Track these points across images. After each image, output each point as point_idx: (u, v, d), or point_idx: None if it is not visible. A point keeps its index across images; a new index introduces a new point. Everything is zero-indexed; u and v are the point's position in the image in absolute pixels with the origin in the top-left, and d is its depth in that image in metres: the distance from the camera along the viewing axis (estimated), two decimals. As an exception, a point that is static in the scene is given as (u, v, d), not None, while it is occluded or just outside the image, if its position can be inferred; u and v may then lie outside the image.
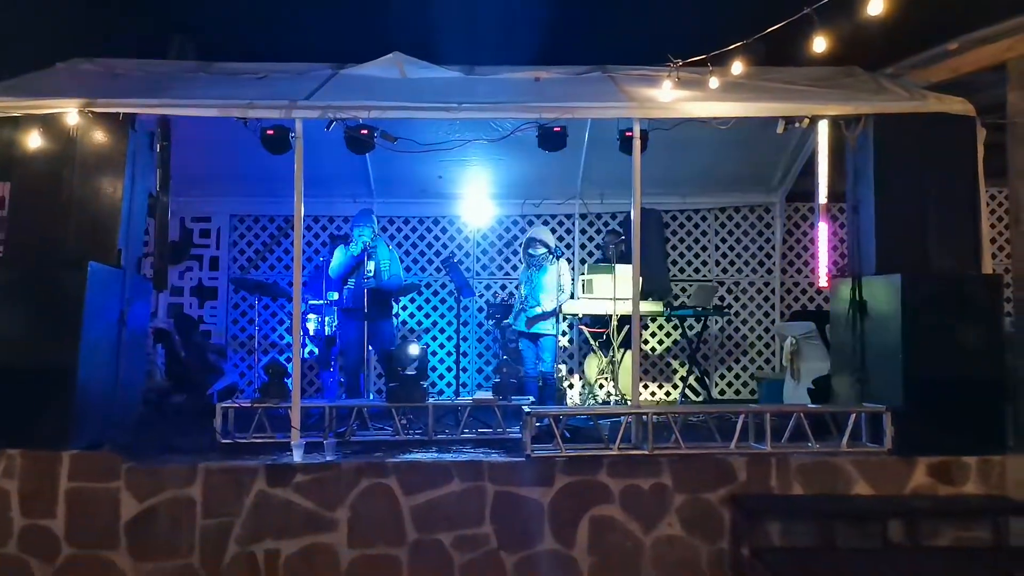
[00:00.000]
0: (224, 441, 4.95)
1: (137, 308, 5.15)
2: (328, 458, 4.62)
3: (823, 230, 6.64)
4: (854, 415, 4.88)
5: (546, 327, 6.33)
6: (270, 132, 5.03)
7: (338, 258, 6.29)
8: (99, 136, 4.94)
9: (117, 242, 4.97)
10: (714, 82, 5.12)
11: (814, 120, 5.37)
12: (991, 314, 4.86)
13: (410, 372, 5.27)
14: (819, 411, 5.09)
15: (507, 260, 7.98)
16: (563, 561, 4.51)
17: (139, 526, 4.39)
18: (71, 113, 4.82)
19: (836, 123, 5.47)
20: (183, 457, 4.60)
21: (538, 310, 6.25)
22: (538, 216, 7.90)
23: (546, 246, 6.41)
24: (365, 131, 5.15)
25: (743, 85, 5.31)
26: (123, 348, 4.98)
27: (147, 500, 4.41)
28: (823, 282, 6.45)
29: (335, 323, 6.64)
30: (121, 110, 4.93)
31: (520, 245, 7.60)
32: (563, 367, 6.95)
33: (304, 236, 7.78)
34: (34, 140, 4.80)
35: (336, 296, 6.55)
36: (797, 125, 5.33)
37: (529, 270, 6.40)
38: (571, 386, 7.57)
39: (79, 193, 4.87)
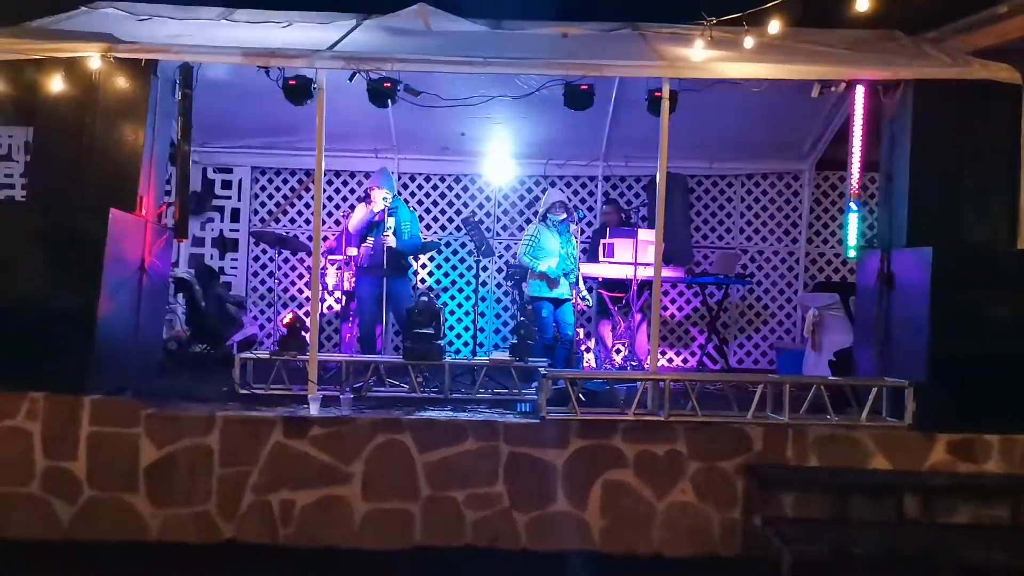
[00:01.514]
0: (242, 392, 4.99)
1: (158, 256, 5.15)
2: (344, 412, 4.64)
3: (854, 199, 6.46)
4: (875, 389, 4.80)
5: (568, 291, 6.27)
6: (292, 82, 4.95)
7: (358, 214, 6.25)
8: (121, 82, 4.89)
9: (138, 190, 4.95)
10: (749, 42, 4.94)
11: (851, 84, 5.19)
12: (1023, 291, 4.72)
13: (427, 331, 5.25)
14: (839, 383, 5.03)
15: (528, 221, 7.88)
16: (575, 522, 4.52)
17: (158, 472, 4.46)
18: (93, 58, 4.76)
19: (874, 88, 5.27)
20: (202, 406, 4.64)
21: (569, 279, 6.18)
22: (560, 177, 7.78)
23: (567, 209, 6.31)
24: (388, 84, 5.05)
25: (778, 47, 5.12)
26: (144, 296, 5.00)
27: (166, 447, 4.47)
28: (851, 253, 6.30)
29: (352, 279, 6.63)
30: (143, 55, 4.86)
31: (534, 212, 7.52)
32: (580, 331, 6.90)
33: (325, 191, 7.75)
34: (56, 84, 4.76)
35: (355, 252, 6.53)
36: (833, 89, 5.16)
37: (561, 236, 6.25)
38: (588, 350, 7.53)
39: (100, 139, 4.84)
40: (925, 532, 4.42)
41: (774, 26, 4.80)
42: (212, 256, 7.80)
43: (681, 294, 7.90)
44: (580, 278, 6.44)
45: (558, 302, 6.26)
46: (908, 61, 5.14)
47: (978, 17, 5.39)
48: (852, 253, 5.84)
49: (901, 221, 5.01)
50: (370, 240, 6.19)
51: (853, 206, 5.78)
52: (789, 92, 5.33)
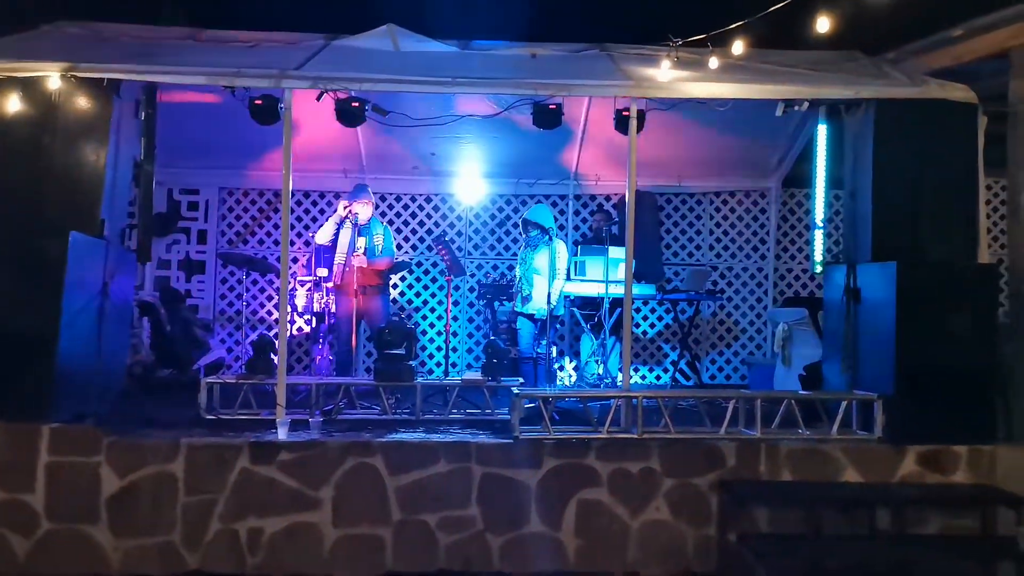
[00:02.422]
0: (208, 417, 4.88)
1: (120, 280, 5.03)
2: (313, 436, 4.55)
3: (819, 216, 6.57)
4: (845, 402, 4.84)
5: (542, 308, 6.25)
6: (258, 102, 4.91)
7: (327, 229, 6.18)
8: (82, 102, 4.79)
9: (100, 212, 4.84)
10: (714, 62, 5.01)
11: (814, 104, 5.29)
12: (986, 304, 4.82)
13: (399, 352, 5.19)
14: (810, 398, 5.06)
15: (499, 240, 7.88)
16: (549, 543, 4.47)
17: (120, 502, 4.31)
18: (53, 77, 4.67)
19: (836, 108, 5.39)
20: (166, 432, 4.52)
21: (534, 295, 6.15)
22: (532, 196, 7.80)
23: (539, 227, 6.31)
24: (356, 103, 5.03)
25: (743, 67, 5.21)
26: (106, 320, 4.86)
27: (128, 475, 4.33)
28: (817, 269, 6.39)
29: (323, 299, 6.54)
30: (105, 75, 4.77)
31: (514, 225, 7.53)
32: (554, 349, 6.88)
33: (294, 211, 7.67)
34: (14, 104, 4.64)
35: (325, 272, 6.45)
36: (796, 108, 5.25)
37: (524, 251, 6.31)
38: (561, 368, 7.51)
39: (61, 160, 4.73)
40: (897, 544, 4.44)
41: (738, 47, 4.88)
42: (178, 279, 7.65)
43: (653, 311, 7.93)
44: (550, 294, 6.37)
45: (535, 318, 6.25)
46: (869, 81, 5.26)
47: (934, 39, 5.56)
48: (819, 268, 5.92)
49: (865, 237, 5.09)
50: (341, 257, 6.12)
51: (819, 222, 5.88)
52: (754, 111, 5.42)
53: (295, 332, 7.32)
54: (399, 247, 7.73)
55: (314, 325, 6.78)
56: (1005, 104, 5.12)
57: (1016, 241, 5.11)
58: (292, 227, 7.52)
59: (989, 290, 4.88)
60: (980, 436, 4.71)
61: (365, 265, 6.05)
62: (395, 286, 7.71)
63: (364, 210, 6.17)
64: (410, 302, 7.80)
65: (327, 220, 6.32)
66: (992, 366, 4.80)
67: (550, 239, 6.34)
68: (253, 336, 7.20)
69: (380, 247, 6.20)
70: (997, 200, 7.41)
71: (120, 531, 4.29)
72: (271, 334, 7.13)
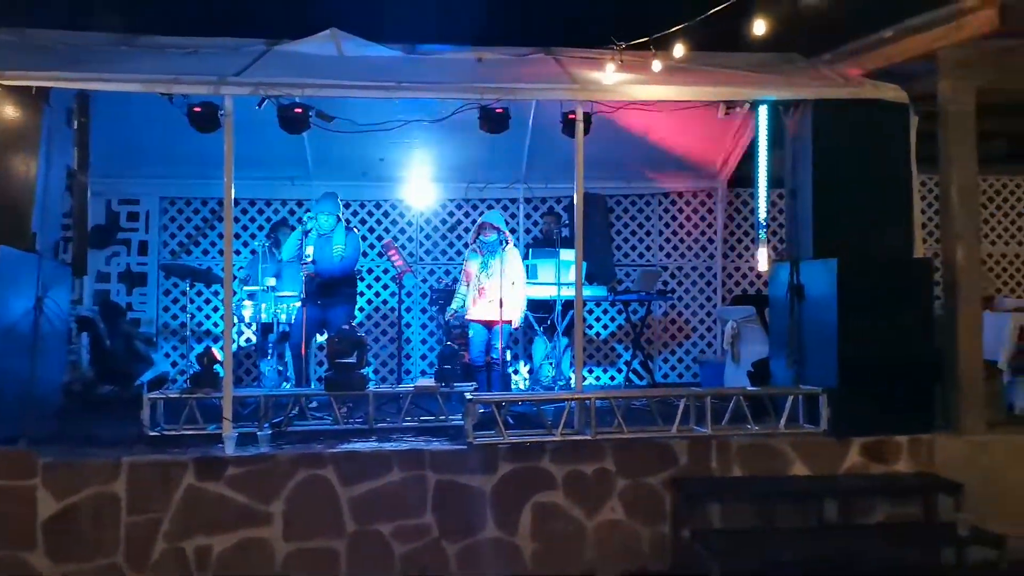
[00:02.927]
0: (152, 433, 4.72)
1: (54, 295, 4.84)
2: (262, 450, 4.45)
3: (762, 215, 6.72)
4: (791, 397, 4.95)
5: (500, 314, 6.19)
6: (197, 109, 4.78)
7: (290, 242, 6.02)
8: (10, 111, 4.61)
9: (31, 225, 4.67)
10: (657, 65, 5.09)
11: (754, 105, 5.41)
12: (922, 297, 5.00)
13: (349, 360, 5.11)
14: (758, 393, 5.16)
15: (451, 245, 7.85)
16: (506, 548, 4.46)
17: (58, 525, 4.15)
18: (-22, 86, 4.48)
19: (776, 108, 5.52)
20: (107, 451, 4.36)
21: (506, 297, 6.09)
22: (482, 200, 7.79)
23: (497, 231, 6.28)
24: (300, 110, 4.95)
25: (685, 70, 5.30)
26: (40, 337, 4.67)
27: (67, 498, 4.17)
28: (763, 267, 6.52)
29: (272, 310, 6.39)
30: (33, 83, 4.61)
31: (465, 229, 7.49)
32: (508, 353, 6.87)
33: (240, 220, 7.51)
34: (-64, 114, 4.44)
35: (273, 282, 6.31)
36: (738, 110, 5.37)
37: (484, 256, 6.20)
38: (516, 372, 7.51)
39: (-12, 172, 4.53)
40: (845, 535, 4.56)
41: (679, 50, 4.97)
42: (119, 292, 7.41)
43: (605, 312, 7.99)
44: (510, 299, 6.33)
45: (490, 324, 6.19)
46: (806, 82, 5.40)
47: (867, 41, 5.72)
48: (764, 267, 6.04)
49: (807, 234, 5.22)
50: (307, 268, 5.94)
51: (762, 221, 6.00)
52: (698, 113, 5.51)
53: (242, 344, 7.16)
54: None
55: (262, 336, 6.62)
56: (935, 103, 5.31)
57: (948, 235, 5.30)
58: (237, 236, 7.37)
59: (925, 284, 5.05)
60: (920, 426, 4.87)
61: (311, 273, 5.89)
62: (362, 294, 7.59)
63: (324, 220, 6.01)
64: (361, 309, 7.70)
65: (291, 235, 6.14)
66: (929, 357, 4.97)
67: (506, 244, 6.30)
68: (199, 349, 7.01)
69: (342, 255, 6.02)
70: (932, 196, 7.69)
71: (59, 556, 4.13)
72: (216, 346, 6.97)
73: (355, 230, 6.34)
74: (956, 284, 5.17)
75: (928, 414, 4.93)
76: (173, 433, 4.74)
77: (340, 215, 6.08)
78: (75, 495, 4.17)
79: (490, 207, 7.75)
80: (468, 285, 6.20)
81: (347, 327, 5.49)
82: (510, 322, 6.10)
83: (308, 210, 6.11)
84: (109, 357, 6.10)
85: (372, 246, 7.74)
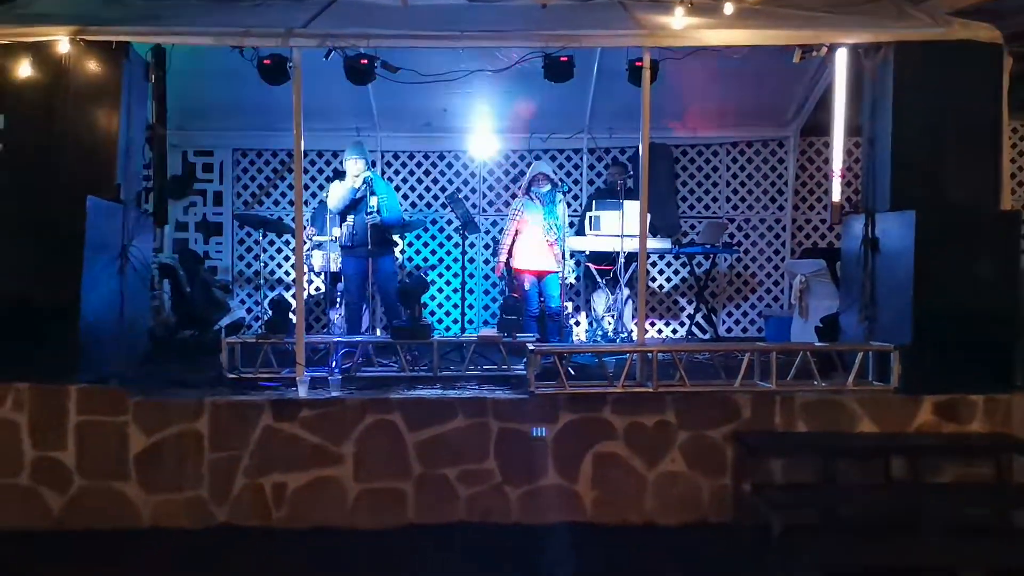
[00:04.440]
0: (230, 376, 4.97)
1: (138, 243, 5.09)
2: (333, 394, 4.63)
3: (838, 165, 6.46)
4: (861, 353, 4.83)
5: (555, 265, 6.24)
6: (267, 61, 4.87)
7: (337, 192, 6.12)
8: (92, 66, 4.78)
9: (116, 176, 4.87)
10: (729, 8, 4.88)
11: (832, 49, 5.14)
12: (1007, 252, 4.75)
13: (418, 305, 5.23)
14: (826, 349, 5.06)
15: (513, 196, 7.83)
16: (566, 495, 4.55)
17: (148, 459, 4.45)
18: (62, 41, 4.64)
19: (855, 52, 5.23)
20: (190, 392, 4.62)
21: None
22: (545, 151, 7.72)
23: (551, 181, 6.27)
24: (365, 61, 4.97)
25: (759, 12, 5.08)
26: (126, 283, 4.95)
27: (155, 434, 4.45)
28: (835, 219, 6.30)
29: (339, 259, 6.56)
30: (114, 38, 4.75)
31: (513, 181, 7.47)
32: (569, 304, 6.90)
33: (307, 171, 7.66)
34: (25, 70, 4.64)
35: (339, 232, 6.46)
36: (814, 54, 5.11)
37: (546, 207, 6.22)
38: (577, 323, 7.54)
39: (74, 125, 4.74)
40: (911, 492, 4.48)
41: (753, -10, 4.74)
42: (196, 240, 7.73)
43: (669, 264, 7.90)
44: (565, 251, 6.36)
45: (542, 274, 6.23)
46: (889, 23, 5.09)
47: (958, -24, 5.35)
48: (836, 219, 5.83)
49: (884, 185, 5.00)
50: (351, 219, 6.09)
51: (837, 172, 5.77)
52: (771, 57, 5.28)
53: (312, 292, 7.39)
54: (413, 205, 7.73)
55: (331, 285, 6.83)
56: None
57: (1040, 187, 5.00)
58: (306, 187, 7.53)
59: (1011, 237, 4.79)
60: (997, 385, 4.68)
61: (378, 222, 6.01)
62: (411, 244, 7.72)
63: (352, 166, 6.09)
64: (426, 260, 7.82)
65: (334, 184, 6.24)
66: (1012, 314, 4.74)
67: (560, 193, 6.28)
68: (271, 296, 7.29)
69: (389, 206, 6.12)
70: (1023, 144, 7.22)
71: (149, 487, 4.43)
72: (289, 294, 7.22)
73: (389, 179, 6.39)
74: (1045, 238, 4.89)
75: (1007, 373, 4.72)
76: (250, 376, 4.99)
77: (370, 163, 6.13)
78: (162, 432, 4.45)
79: (553, 157, 7.68)
80: (518, 235, 6.19)
81: (414, 271, 5.60)
82: (558, 272, 6.13)
83: (343, 160, 6.13)
84: (189, 303, 6.41)
85: (436, 197, 7.80)
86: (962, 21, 4.97)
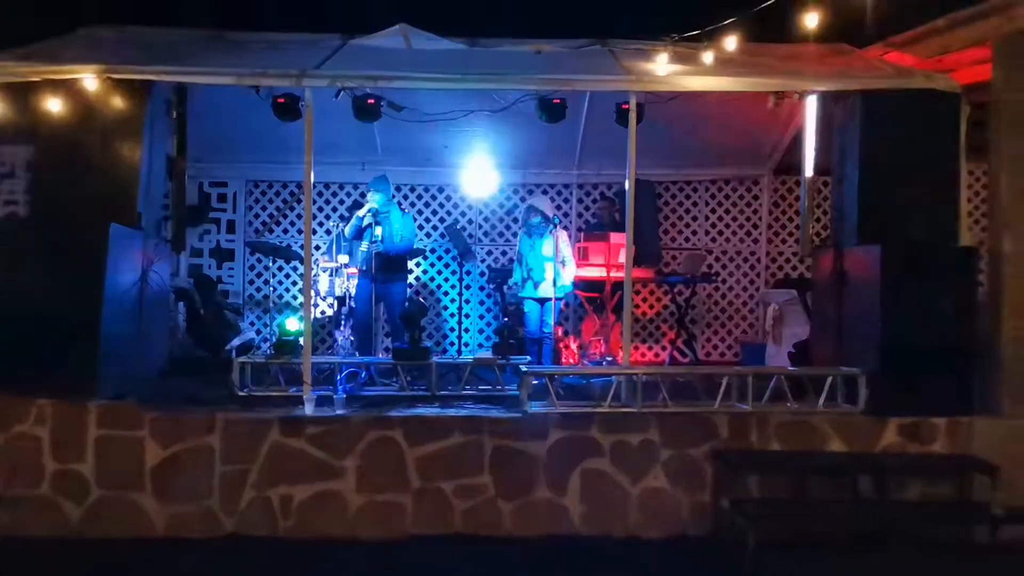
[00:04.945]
0: (241, 394, 4.99)
1: (157, 268, 5.14)
2: (338, 411, 4.66)
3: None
4: (831, 377, 4.90)
5: (551, 292, 6.30)
6: (281, 100, 4.97)
7: (352, 222, 6.24)
8: (117, 102, 4.87)
9: (137, 205, 4.94)
10: (709, 57, 5.03)
11: (803, 95, 5.29)
12: (966, 284, 4.85)
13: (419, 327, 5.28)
14: (798, 373, 5.12)
15: (507, 227, 7.94)
16: (556, 509, 4.59)
17: (163, 471, 4.46)
18: (90, 79, 4.74)
19: (825, 99, 5.39)
20: (203, 408, 4.64)
21: (549, 278, 6.18)
22: (537, 185, 7.84)
23: (542, 215, 6.36)
24: (372, 100, 5.08)
25: (736, 61, 5.22)
26: (145, 305, 4.99)
27: (170, 447, 4.47)
28: (806, 252, 6.42)
29: (344, 284, 6.61)
30: (138, 76, 4.85)
31: (519, 213, 7.56)
32: (559, 329, 6.96)
33: (315, 201, 7.73)
34: (55, 105, 4.73)
35: (347, 259, 6.52)
36: (787, 99, 5.25)
37: (532, 239, 6.32)
38: (566, 347, 7.58)
39: (99, 157, 4.82)
40: (879, 509, 4.53)
41: (731, 42, 4.90)
42: (210, 266, 7.76)
43: (652, 292, 7.98)
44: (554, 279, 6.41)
45: (542, 300, 6.31)
46: (857, 73, 5.26)
47: (919, 31, 5.52)
48: (807, 253, 5.94)
49: (852, 221, 5.12)
50: (364, 245, 6.17)
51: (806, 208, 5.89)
52: (748, 102, 5.43)
53: (318, 315, 7.43)
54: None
55: (336, 308, 6.86)
56: (987, 93, 5.10)
57: (996, 223, 5.12)
58: (314, 216, 7.60)
59: (969, 270, 4.90)
60: (959, 408, 4.76)
61: (380, 251, 6.08)
62: (411, 271, 7.77)
63: (374, 199, 6.18)
64: (425, 286, 7.88)
65: (353, 216, 6.34)
66: (971, 342, 4.83)
67: (553, 227, 6.37)
68: (280, 319, 7.30)
69: (401, 235, 6.21)
70: (979, 184, 7.39)
71: (164, 497, 4.44)
72: (296, 316, 7.24)
73: (406, 211, 6.47)
74: (1001, 271, 5.00)
75: (968, 398, 4.80)
76: (259, 394, 5.01)
77: (392, 196, 6.22)
78: (177, 445, 4.47)
79: (544, 192, 7.80)
80: (521, 265, 6.30)
81: (414, 297, 5.66)
82: (560, 300, 6.19)
83: (363, 193, 6.24)
84: (203, 325, 6.42)
85: (435, 227, 7.89)
86: (924, 72, 5.15)
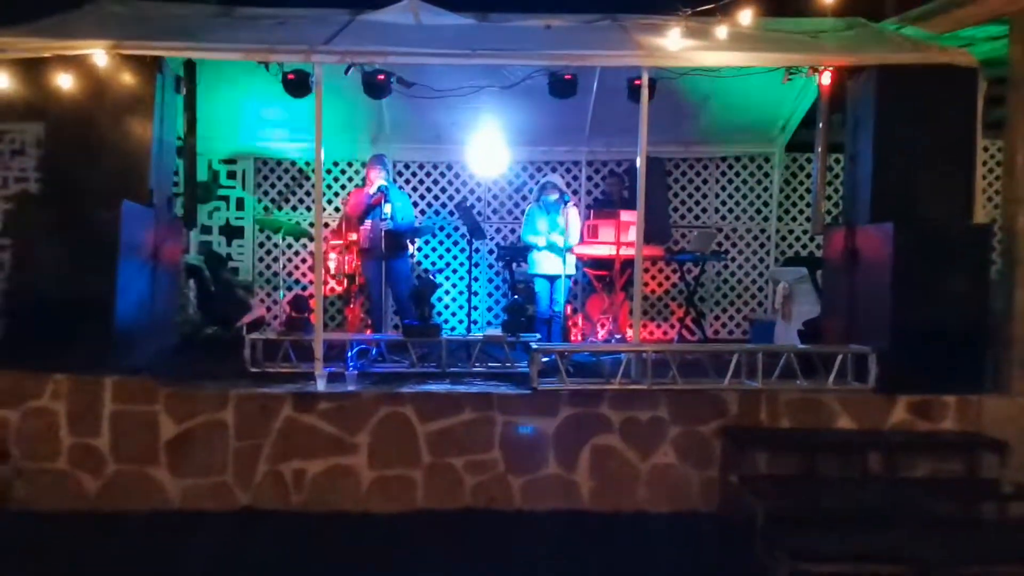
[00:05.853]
0: (253, 370, 5.01)
1: (169, 244, 5.13)
2: (349, 388, 4.67)
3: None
4: (841, 355, 4.87)
5: (560, 269, 6.27)
6: (291, 76, 4.94)
7: (354, 199, 6.20)
8: (127, 78, 4.84)
9: (148, 182, 4.92)
10: (722, 31, 4.93)
11: (817, 70, 5.19)
12: (979, 262, 4.79)
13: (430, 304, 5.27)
14: (808, 351, 5.09)
15: (516, 205, 7.88)
16: (565, 484, 4.60)
17: (177, 445, 4.49)
18: (99, 55, 4.68)
19: (839, 73, 5.28)
20: (216, 384, 4.66)
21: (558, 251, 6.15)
22: (546, 163, 7.76)
23: (559, 191, 6.32)
24: (382, 76, 5.02)
25: (749, 35, 5.12)
26: (157, 282, 5.00)
27: (184, 423, 4.50)
28: (817, 230, 6.35)
29: (354, 261, 6.60)
30: (148, 52, 4.80)
31: (530, 190, 7.51)
32: (569, 307, 6.93)
33: (324, 178, 7.69)
34: (65, 81, 4.69)
35: (355, 237, 6.50)
36: (801, 75, 5.16)
37: (549, 215, 6.28)
38: (576, 324, 7.57)
39: (110, 134, 4.80)
40: (887, 486, 4.52)
41: (745, 16, 4.79)
42: (219, 243, 7.75)
43: (661, 271, 7.94)
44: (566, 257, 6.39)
45: (552, 278, 6.28)
46: (871, 47, 5.15)
47: (936, 4, 5.39)
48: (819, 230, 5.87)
49: (864, 199, 5.05)
50: (368, 223, 6.16)
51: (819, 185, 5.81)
52: (760, 77, 5.34)
53: (328, 292, 7.42)
54: (423, 212, 7.76)
55: (346, 286, 6.86)
56: (1005, 68, 5.00)
57: (1010, 200, 5.04)
58: (323, 194, 7.56)
59: (982, 249, 4.84)
60: (969, 387, 4.72)
61: (391, 228, 6.06)
62: (419, 249, 7.76)
63: (376, 178, 6.16)
64: (433, 264, 7.86)
65: (353, 192, 6.30)
66: (982, 321, 4.79)
67: (564, 204, 6.33)
68: (290, 296, 7.32)
69: (403, 214, 6.19)
70: (993, 161, 7.28)
71: (178, 471, 4.48)
72: (306, 294, 7.26)
73: (402, 188, 6.44)
74: (1015, 248, 4.93)
75: (978, 376, 4.77)
76: (271, 370, 5.02)
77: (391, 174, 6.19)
78: (191, 420, 4.49)
79: (553, 169, 7.73)
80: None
81: (424, 274, 5.65)
82: (571, 276, 6.16)
83: (358, 171, 6.20)
84: (214, 301, 6.44)
85: (444, 205, 7.84)
86: (940, 46, 5.03)
